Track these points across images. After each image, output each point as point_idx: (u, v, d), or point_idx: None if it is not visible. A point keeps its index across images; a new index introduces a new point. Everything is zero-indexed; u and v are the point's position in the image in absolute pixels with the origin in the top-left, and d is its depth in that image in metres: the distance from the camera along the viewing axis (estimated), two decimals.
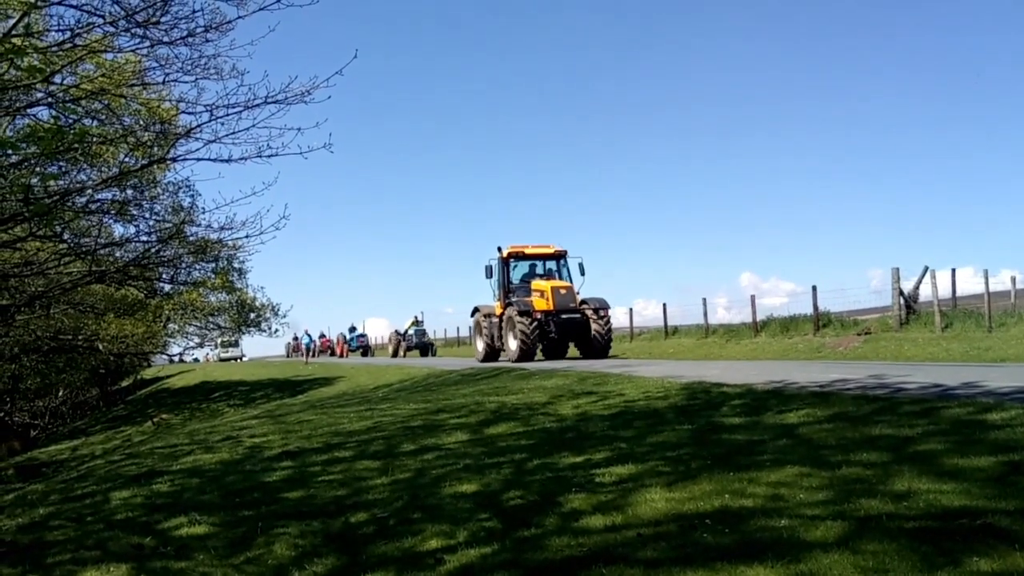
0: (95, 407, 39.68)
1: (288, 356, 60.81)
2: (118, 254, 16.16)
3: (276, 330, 29.44)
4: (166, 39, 8.25)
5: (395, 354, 45.00)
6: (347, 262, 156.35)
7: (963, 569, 3.61)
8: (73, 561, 5.50)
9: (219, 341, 54.02)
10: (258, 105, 8.67)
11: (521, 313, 22.30)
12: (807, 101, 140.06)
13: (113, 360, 26.12)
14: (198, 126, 9.20)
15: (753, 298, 25.87)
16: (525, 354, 22.06)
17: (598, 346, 22.79)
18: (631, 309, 33.36)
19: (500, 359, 23.89)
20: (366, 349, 54.66)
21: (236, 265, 23.61)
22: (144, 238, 15.20)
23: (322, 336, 59.96)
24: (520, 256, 24.52)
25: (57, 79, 8.42)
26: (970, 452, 5.38)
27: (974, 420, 6.37)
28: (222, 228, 12.26)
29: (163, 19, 7.93)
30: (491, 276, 24.08)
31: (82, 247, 14.35)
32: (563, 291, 23.22)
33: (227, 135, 9.06)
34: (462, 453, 7.55)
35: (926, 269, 21.12)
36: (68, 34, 7.94)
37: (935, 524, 4.16)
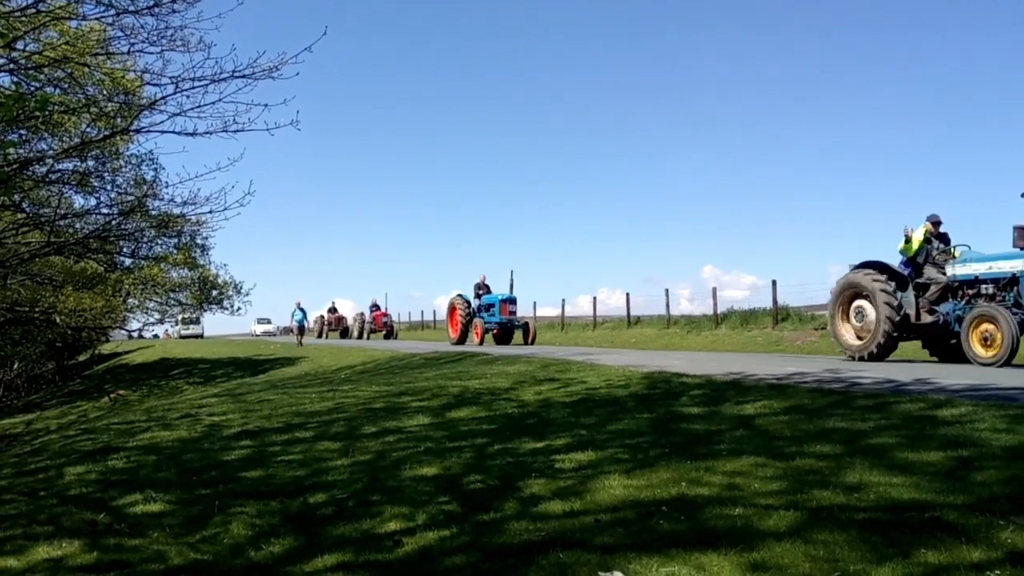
0: (51, 381, 39.03)
1: (319, 335, 46.29)
2: (78, 226, 15.92)
3: (238, 308, 29.10)
4: (132, 8, 8.14)
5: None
6: (317, 241, 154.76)
7: (912, 561, 3.70)
8: (25, 536, 5.42)
9: (180, 318, 53.07)
10: (225, 79, 8.58)
11: None
12: (771, 96, 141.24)
13: (70, 334, 25.65)
14: (163, 98, 9.08)
15: (715, 290, 26.21)
16: None
17: None
18: (595, 298, 33.23)
19: None
20: (509, 329, 27.52)
21: (199, 241, 23.27)
22: (105, 210, 15.02)
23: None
24: None
25: (19, 45, 8.25)
26: (921, 447, 5.51)
27: (925, 415, 6.52)
28: (185, 203, 12.15)
29: None
30: None
31: (41, 217, 14.12)
32: None
33: (192, 108, 8.95)
34: (423, 436, 7.55)
35: None
36: None
37: (885, 516, 4.25)
